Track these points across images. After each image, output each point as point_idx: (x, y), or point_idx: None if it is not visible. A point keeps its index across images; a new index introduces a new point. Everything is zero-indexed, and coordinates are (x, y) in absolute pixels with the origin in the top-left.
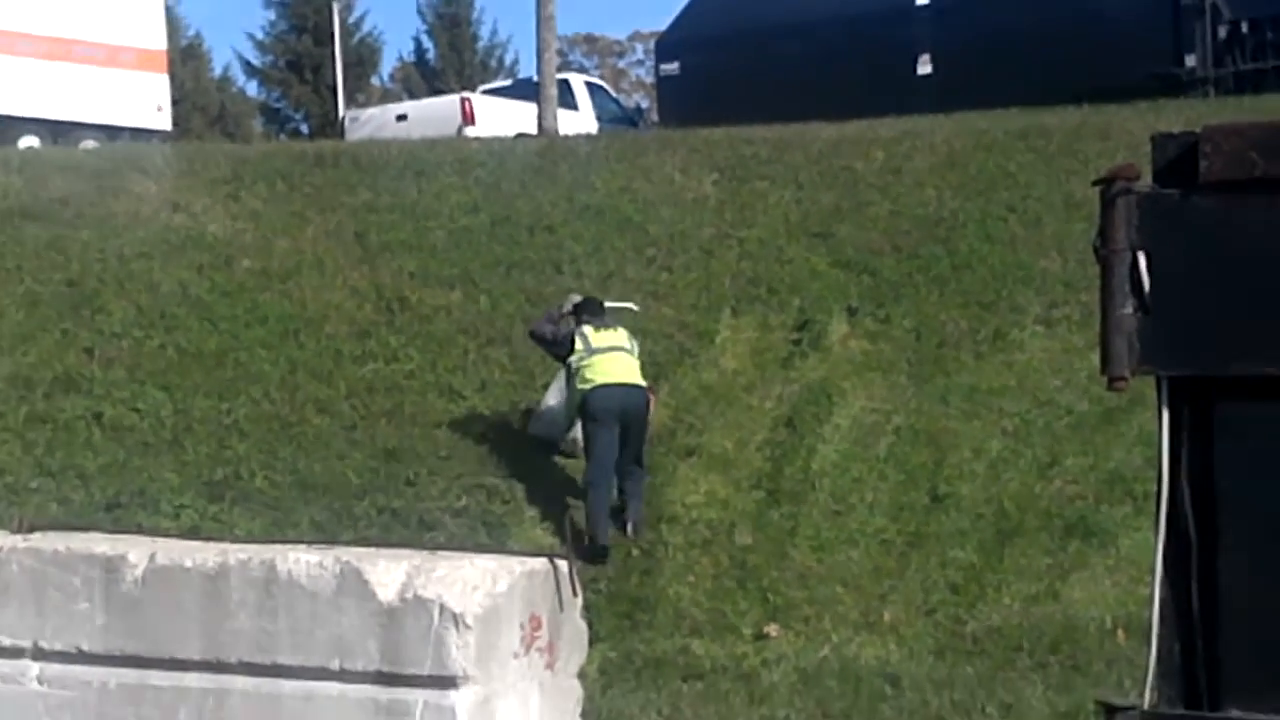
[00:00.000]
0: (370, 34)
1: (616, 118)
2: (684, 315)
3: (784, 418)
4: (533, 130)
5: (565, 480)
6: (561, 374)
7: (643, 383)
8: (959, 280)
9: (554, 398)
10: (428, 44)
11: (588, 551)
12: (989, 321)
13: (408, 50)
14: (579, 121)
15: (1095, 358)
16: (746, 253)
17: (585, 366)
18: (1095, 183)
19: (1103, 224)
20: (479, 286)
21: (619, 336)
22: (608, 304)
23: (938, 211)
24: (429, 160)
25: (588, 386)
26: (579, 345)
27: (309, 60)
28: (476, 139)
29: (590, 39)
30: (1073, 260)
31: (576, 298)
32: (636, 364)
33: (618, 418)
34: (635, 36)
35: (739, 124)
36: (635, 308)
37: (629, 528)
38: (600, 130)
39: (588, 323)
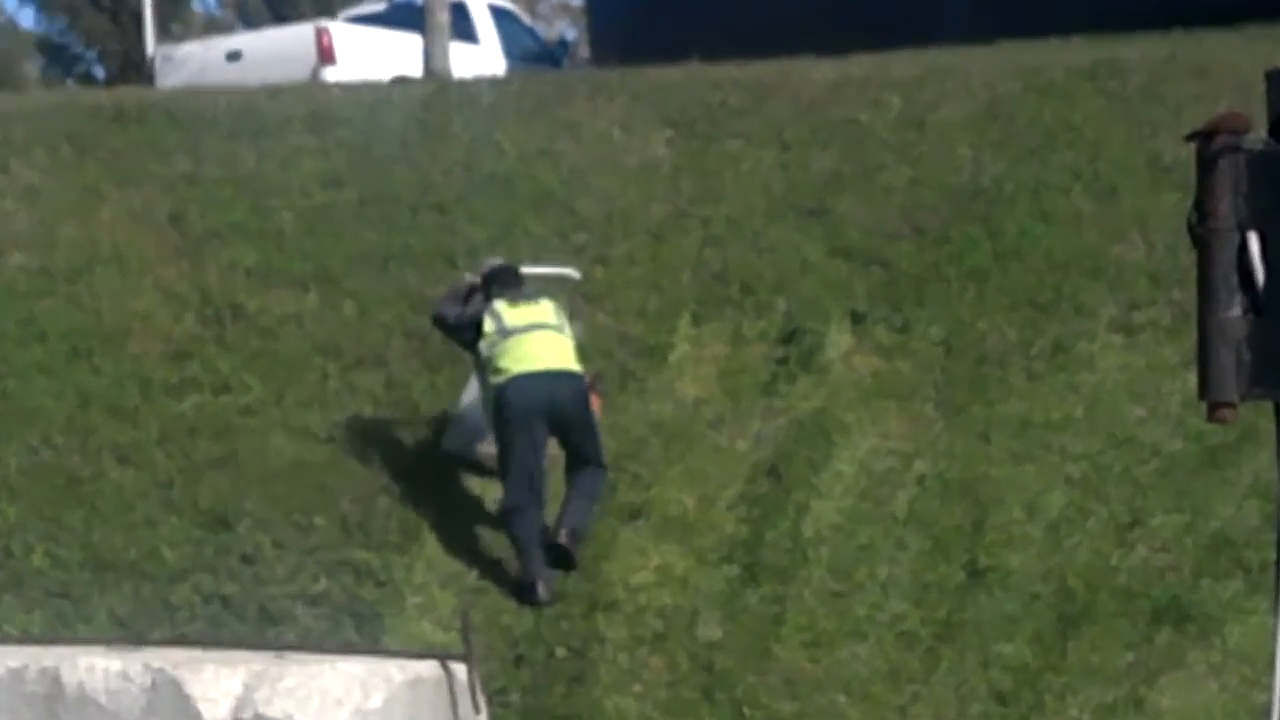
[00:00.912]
0: None
1: (532, 54)
2: (626, 324)
3: (765, 464)
4: (416, 72)
5: (468, 541)
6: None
7: (576, 368)
8: (1004, 273)
9: (470, 396)
10: None
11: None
12: (1046, 329)
13: None
14: (480, 59)
15: (1191, 378)
16: (712, 238)
17: (498, 353)
18: (1189, 137)
19: (1200, 194)
20: (342, 288)
21: (542, 311)
22: (534, 270)
23: (975, 180)
24: (272, 115)
25: (501, 378)
26: (488, 326)
27: None
28: (338, 85)
29: None
30: (1160, 245)
31: (494, 262)
32: (569, 344)
33: (543, 416)
34: None
35: (703, 60)
36: (575, 274)
37: (563, 534)
38: (510, 71)
39: (499, 296)
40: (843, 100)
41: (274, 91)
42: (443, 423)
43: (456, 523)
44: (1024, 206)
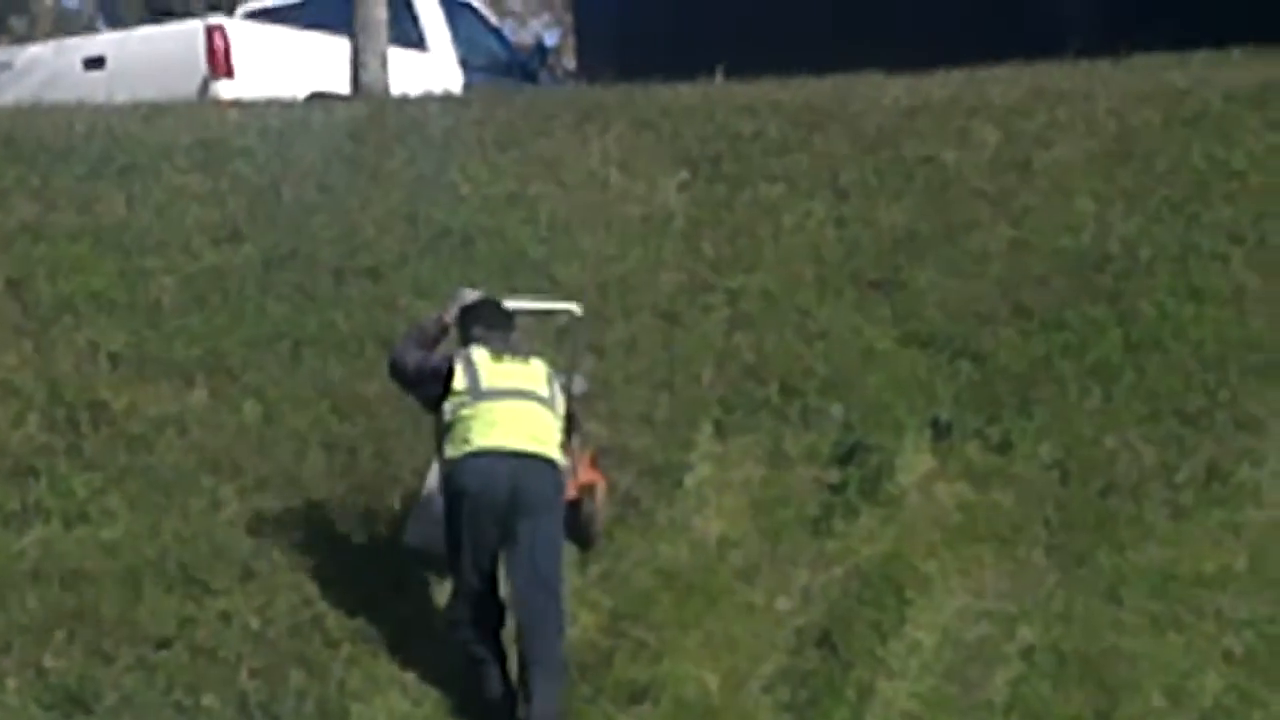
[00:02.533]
0: None
1: (499, 64)
2: (626, 436)
3: (815, 630)
4: (343, 88)
5: None
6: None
7: (556, 455)
8: (1139, 371)
9: (437, 479)
10: None
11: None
12: (1197, 448)
13: None
14: (430, 71)
15: None
16: (743, 318)
17: (462, 418)
18: None
19: None
20: (240, 382)
21: (531, 375)
22: (524, 305)
23: (1099, 243)
24: (148, 145)
25: (459, 453)
26: (459, 382)
27: None
28: (236, 104)
29: None
30: None
31: (469, 296)
32: (554, 426)
33: (502, 509)
34: None
35: (729, 76)
36: (577, 310)
37: None
38: (469, 87)
39: (481, 342)
40: (920, 133)
41: (150, 113)
42: (387, 539)
43: (392, 704)
44: (1166, 280)
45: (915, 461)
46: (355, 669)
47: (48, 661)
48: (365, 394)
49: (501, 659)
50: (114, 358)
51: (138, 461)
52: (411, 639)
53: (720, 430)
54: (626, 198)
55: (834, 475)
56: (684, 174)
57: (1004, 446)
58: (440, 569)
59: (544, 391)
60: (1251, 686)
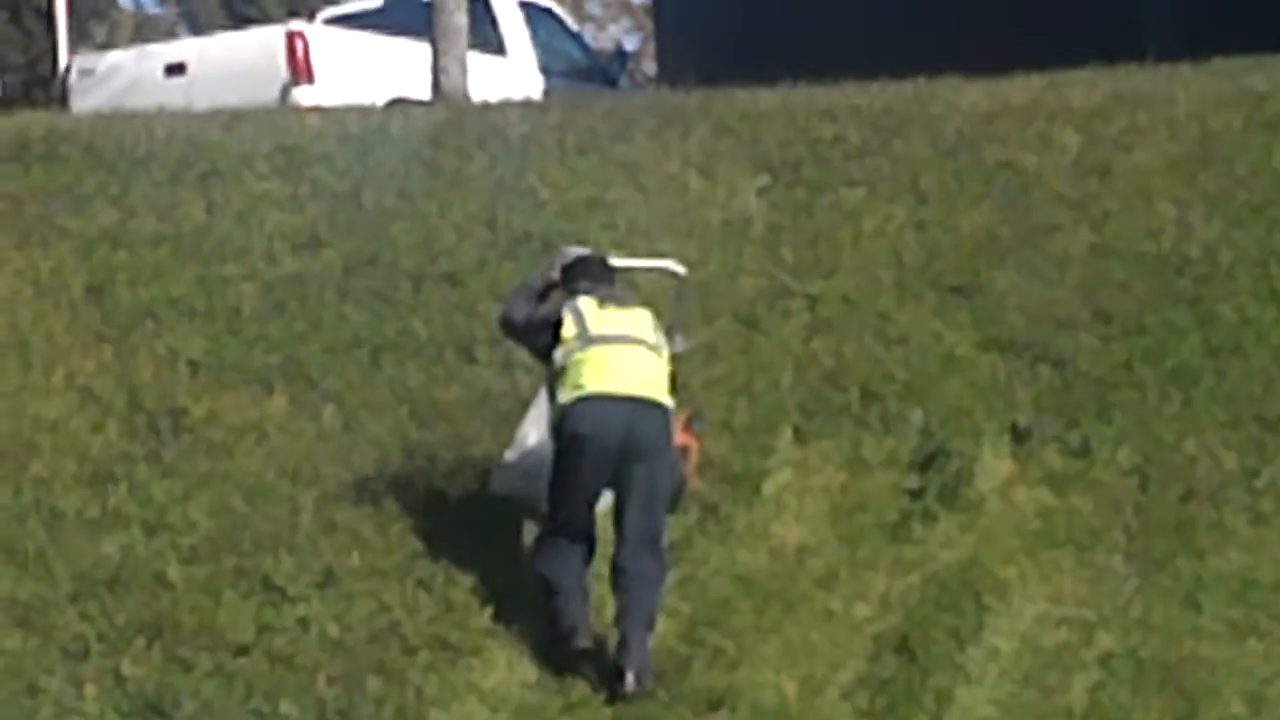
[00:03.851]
0: None
1: (579, 69)
2: (706, 442)
3: (893, 636)
4: (423, 94)
5: None
6: (544, 391)
7: (667, 401)
8: (1220, 376)
9: (536, 427)
10: None
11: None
12: (1277, 453)
13: None
14: (510, 76)
15: None
16: (823, 324)
17: (574, 363)
18: None
19: None
20: (319, 389)
21: (638, 321)
22: (628, 262)
23: (1180, 248)
24: (228, 152)
25: (573, 395)
26: (568, 330)
27: None
28: (316, 110)
29: None
30: None
31: (572, 253)
32: (663, 371)
33: (614, 453)
34: None
35: (807, 80)
36: (681, 269)
37: (628, 678)
38: (549, 92)
39: (586, 293)
40: (1000, 137)
41: (230, 119)
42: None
43: (470, 711)
44: (1247, 284)
45: (994, 467)
46: (433, 676)
47: (126, 669)
48: (444, 400)
49: (585, 596)
50: (193, 365)
51: (217, 468)
52: (489, 647)
53: (799, 436)
54: (706, 203)
55: (913, 481)
56: (764, 179)
57: (1083, 452)
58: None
59: (652, 338)
60: None
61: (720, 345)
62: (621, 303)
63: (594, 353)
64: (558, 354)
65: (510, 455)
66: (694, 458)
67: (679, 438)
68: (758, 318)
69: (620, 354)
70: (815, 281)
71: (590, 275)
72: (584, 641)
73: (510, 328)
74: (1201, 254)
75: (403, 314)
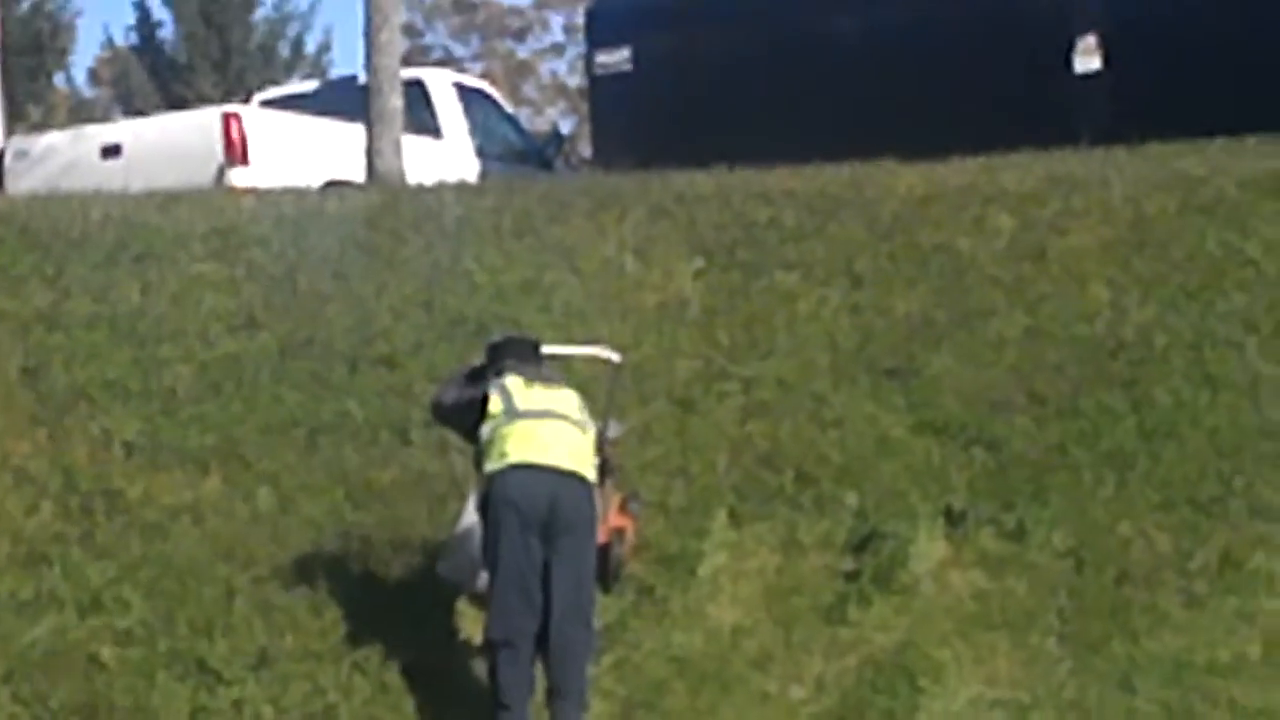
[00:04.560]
0: None
1: (515, 152)
2: (642, 523)
3: (830, 718)
4: (358, 177)
5: None
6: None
7: (590, 476)
8: (1157, 459)
9: (475, 513)
10: (162, 13)
11: None
12: (1211, 536)
13: (123, 25)
14: (445, 159)
15: None
16: (758, 406)
17: (500, 436)
18: None
19: None
20: (254, 470)
21: (564, 399)
22: (558, 350)
23: (1114, 331)
24: (163, 234)
25: (498, 465)
26: (495, 406)
27: None
28: (252, 192)
29: (467, 4)
30: None
31: (496, 335)
32: (587, 446)
33: (543, 520)
34: (546, 2)
35: (742, 163)
36: (616, 357)
37: None
38: (485, 175)
39: (512, 372)
40: (935, 221)
41: (165, 201)
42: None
43: None
44: (1181, 367)
45: (929, 549)
46: None
47: None
48: (380, 482)
49: (530, 690)
50: (128, 446)
51: (152, 550)
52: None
53: (735, 518)
54: (642, 285)
55: (848, 563)
56: (699, 261)
57: (1018, 534)
58: (453, 652)
59: (577, 415)
60: None
61: (655, 427)
62: (549, 382)
63: (520, 426)
64: (484, 429)
65: (454, 540)
66: (630, 539)
67: (616, 519)
68: (693, 400)
69: (545, 428)
70: (750, 364)
71: (517, 355)
72: None
73: (440, 411)
74: (1136, 337)
75: (338, 396)
